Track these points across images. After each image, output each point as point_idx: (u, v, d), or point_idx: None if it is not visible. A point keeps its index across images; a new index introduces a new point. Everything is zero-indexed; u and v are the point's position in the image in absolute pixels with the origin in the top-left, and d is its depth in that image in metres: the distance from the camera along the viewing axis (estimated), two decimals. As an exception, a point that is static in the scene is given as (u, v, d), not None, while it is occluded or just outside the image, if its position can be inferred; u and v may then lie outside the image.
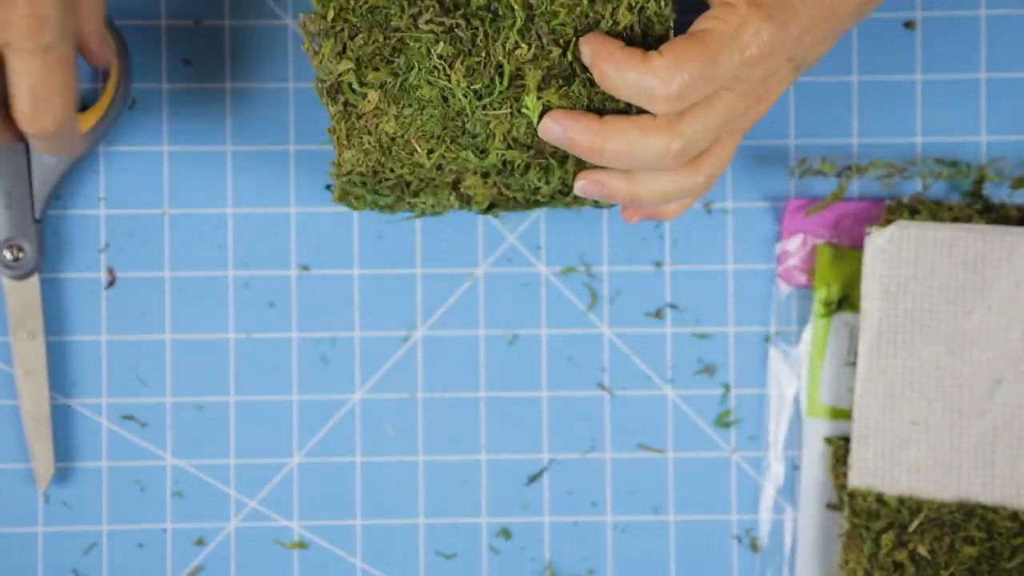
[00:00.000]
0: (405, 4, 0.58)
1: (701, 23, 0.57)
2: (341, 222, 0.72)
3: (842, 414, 0.71)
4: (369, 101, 0.59)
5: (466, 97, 0.59)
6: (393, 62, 0.59)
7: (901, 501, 0.69)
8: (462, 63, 0.58)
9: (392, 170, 0.61)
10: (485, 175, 0.62)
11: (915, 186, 0.72)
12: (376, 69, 0.59)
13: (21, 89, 0.56)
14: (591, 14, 0.59)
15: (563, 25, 0.59)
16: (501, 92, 0.59)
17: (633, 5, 0.59)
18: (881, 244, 0.69)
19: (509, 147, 0.60)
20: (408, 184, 0.63)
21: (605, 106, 0.60)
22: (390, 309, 0.72)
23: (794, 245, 0.71)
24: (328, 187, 0.71)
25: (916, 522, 0.69)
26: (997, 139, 0.72)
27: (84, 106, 0.70)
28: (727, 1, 0.57)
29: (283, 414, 0.72)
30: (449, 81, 0.58)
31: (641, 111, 0.59)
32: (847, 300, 0.71)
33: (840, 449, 0.71)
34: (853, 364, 0.71)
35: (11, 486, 0.71)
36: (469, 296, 0.72)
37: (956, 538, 0.68)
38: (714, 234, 0.72)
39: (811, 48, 0.59)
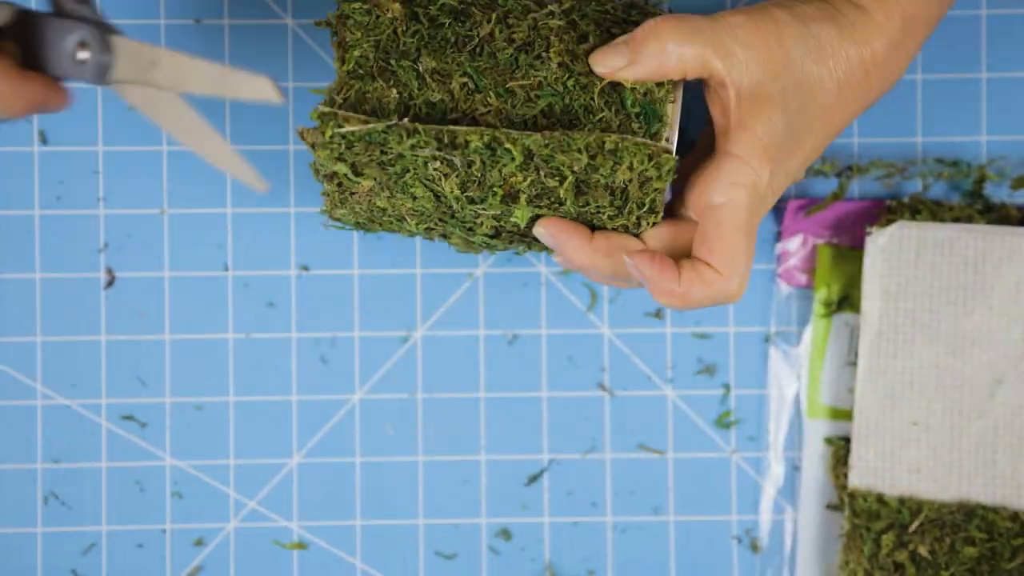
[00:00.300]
0: (404, 135, 0.57)
1: (719, 192, 0.58)
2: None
3: (842, 414, 0.71)
4: (363, 187, 0.59)
5: (458, 201, 0.59)
6: (389, 168, 0.59)
7: (901, 501, 0.69)
8: (457, 178, 0.58)
9: (381, 225, 0.63)
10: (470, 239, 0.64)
11: (915, 186, 0.72)
12: (370, 168, 0.59)
13: None
14: (591, 164, 0.58)
15: (562, 166, 0.58)
16: (493, 203, 0.59)
17: (634, 167, 0.58)
18: (881, 244, 0.69)
19: (496, 233, 0.61)
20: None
21: (594, 224, 0.60)
22: (390, 309, 0.72)
23: (794, 245, 0.71)
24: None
25: (916, 522, 0.68)
26: (998, 139, 0.71)
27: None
28: (736, 155, 0.58)
29: (283, 414, 0.72)
30: (443, 188, 0.59)
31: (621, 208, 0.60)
32: (847, 300, 0.71)
33: (840, 449, 0.71)
34: (853, 364, 0.71)
35: (11, 486, 0.71)
36: (469, 296, 0.72)
37: (957, 538, 0.68)
38: (714, 234, 0.72)
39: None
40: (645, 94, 0.58)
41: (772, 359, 0.72)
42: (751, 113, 0.58)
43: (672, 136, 0.59)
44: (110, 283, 0.71)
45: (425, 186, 0.59)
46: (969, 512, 0.68)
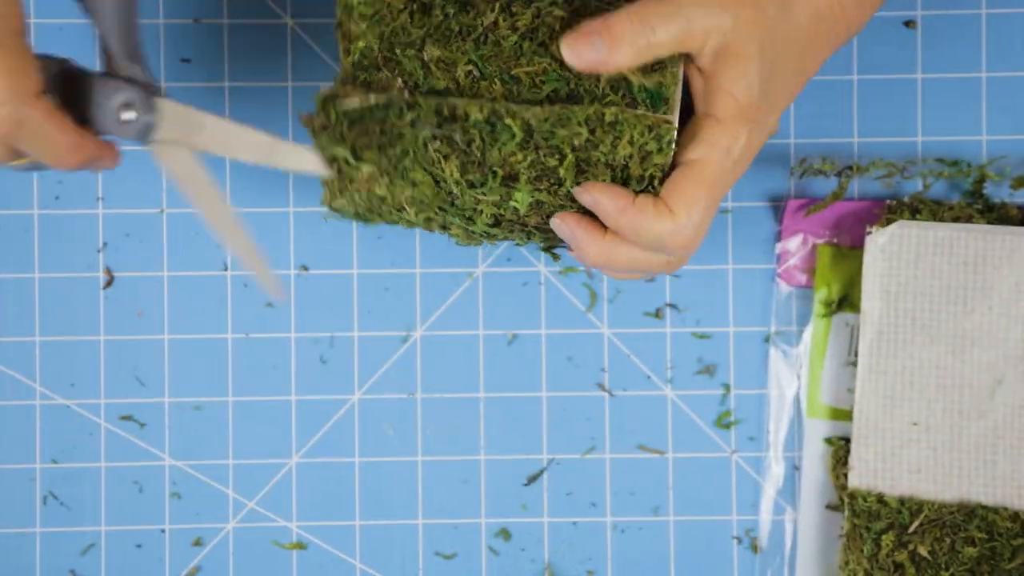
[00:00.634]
0: (404, 108, 0.57)
1: (693, 150, 0.58)
2: (340, 222, 0.71)
3: (842, 414, 0.71)
4: (363, 173, 0.59)
5: (458, 186, 0.59)
6: (388, 149, 0.59)
7: (902, 502, 0.69)
8: (457, 158, 0.58)
9: (380, 216, 0.62)
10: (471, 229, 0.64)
11: (916, 186, 0.72)
12: (371, 151, 0.59)
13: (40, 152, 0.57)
14: (591, 139, 0.58)
15: (562, 143, 0.58)
16: (493, 187, 0.59)
17: (635, 140, 0.58)
18: (881, 244, 0.69)
19: (496, 222, 0.61)
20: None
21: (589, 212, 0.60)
22: (389, 309, 0.72)
23: (794, 245, 0.71)
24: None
25: (917, 523, 0.68)
26: (998, 138, 0.71)
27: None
28: (713, 115, 0.58)
29: (282, 414, 0.71)
30: (443, 172, 0.58)
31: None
32: (847, 300, 0.71)
33: (840, 450, 0.71)
34: (853, 364, 0.71)
35: (10, 486, 0.71)
36: (469, 296, 0.72)
37: (957, 539, 0.68)
38: (714, 234, 0.72)
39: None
40: (651, 74, 0.58)
41: (772, 359, 0.72)
42: (727, 75, 0.57)
43: (675, 106, 0.59)
44: (109, 283, 0.71)
45: (425, 170, 0.59)
46: (969, 512, 0.68)
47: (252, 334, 0.71)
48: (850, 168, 0.71)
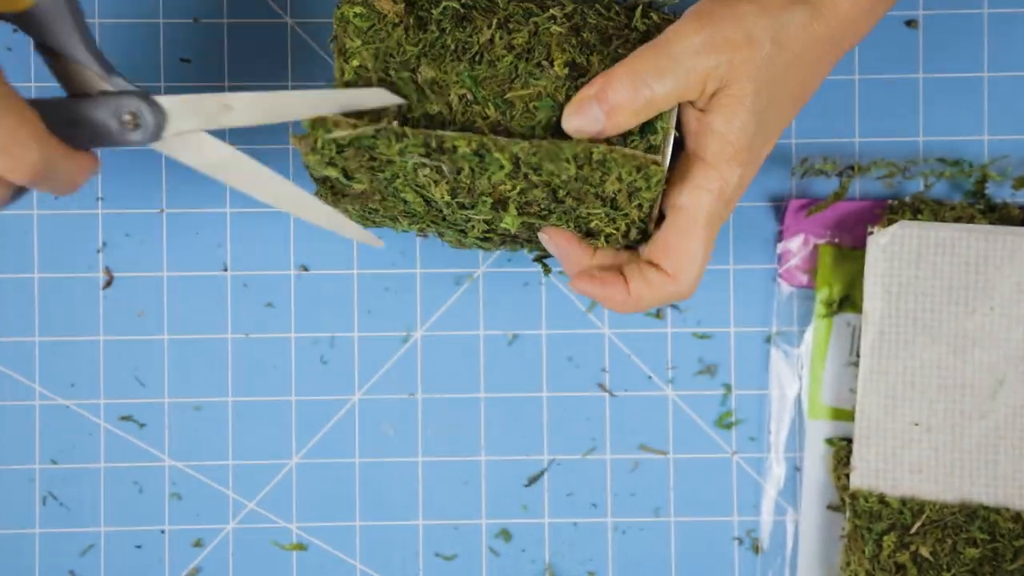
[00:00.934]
0: (393, 139, 0.56)
1: (684, 194, 0.58)
2: (340, 222, 0.71)
3: (844, 415, 0.71)
4: (355, 189, 0.59)
5: (448, 207, 0.59)
6: (379, 172, 0.58)
7: (903, 502, 0.68)
8: (447, 184, 0.58)
9: (375, 223, 0.63)
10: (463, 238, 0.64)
11: (917, 186, 0.72)
12: (361, 172, 0.59)
13: None
14: (579, 174, 0.57)
15: (550, 176, 0.57)
16: (482, 210, 0.59)
17: (623, 177, 0.57)
18: (883, 244, 0.69)
19: (487, 237, 0.61)
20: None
21: (590, 228, 0.60)
22: (389, 309, 0.71)
23: (795, 245, 0.71)
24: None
25: (918, 523, 0.68)
26: (999, 138, 0.71)
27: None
28: (705, 159, 0.57)
29: (282, 415, 0.71)
30: (433, 194, 0.58)
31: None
32: (849, 300, 0.71)
33: (842, 450, 0.71)
34: (855, 365, 0.71)
35: (9, 487, 0.71)
36: (469, 296, 0.72)
37: (958, 539, 0.68)
38: (715, 234, 0.72)
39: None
40: None
41: (773, 359, 0.71)
42: (721, 115, 0.57)
43: (666, 146, 0.59)
44: (108, 283, 0.71)
45: (416, 191, 0.59)
46: (971, 513, 0.68)
47: (252, 334, 0.71)
48: (851, 168, 0.71)
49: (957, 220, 0.70)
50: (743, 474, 0.72)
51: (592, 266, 0.61)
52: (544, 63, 0.58)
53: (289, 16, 0.71)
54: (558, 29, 0.59)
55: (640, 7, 0.60)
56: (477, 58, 0.59)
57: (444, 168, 0.57)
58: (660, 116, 0.58)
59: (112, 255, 0.71)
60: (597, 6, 0.60)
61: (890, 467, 0.69)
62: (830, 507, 0.71)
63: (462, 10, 0.59)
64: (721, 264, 0.72)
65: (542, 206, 0.59)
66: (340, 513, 0.71)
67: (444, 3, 0.59)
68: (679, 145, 0.59)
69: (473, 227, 0.61)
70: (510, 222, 0.59)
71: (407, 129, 0.56)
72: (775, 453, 0.72)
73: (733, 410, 0.72)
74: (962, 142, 0.71)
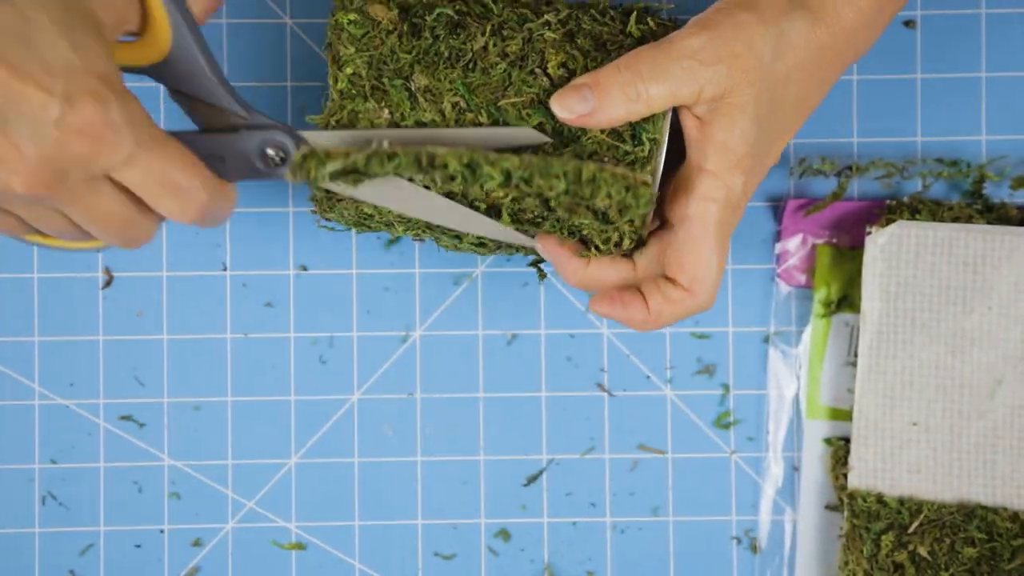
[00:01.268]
0: (385, 160, 0.55)
1: (690, 205, 0.58)
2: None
3: (842, 415, 0.71)
4: (352, 195, 0.59)
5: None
6: (372, 182, 0.58)
7: (901, 502, 0.69)
8: (440, 192, 0.58)
9: (370, 228, 0.63)
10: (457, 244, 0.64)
11: (915, 186, 0.72)
12: (355, 185, 0.59)
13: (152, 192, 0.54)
14: (570, 188, 0.56)
15: (541, 190, 0.57)
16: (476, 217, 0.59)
17: (612, 195, 0.56)
18: (881, 244, 0.69)
19: (482, 243, 0.62)
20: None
21: (575, 236, 0.60)
22: (388, 309, 0.72)
23: (794, 245, 0.71)
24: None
25: (916, 523, 0.68)
26: (997, 138, 0.71)
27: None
28: (708, 169, 0.57)
29: (281, 414, 0.71)
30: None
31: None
32: (847, 300, 0.71)
33: (840, 450, 0.71)
34: (853, 364, 0.71)
35: (8, 486, 0.71)
36: (468, 296, 0.72)
37: (956, 539, 0.68)
38: (714, 234, 0.72)
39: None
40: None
41: (771, 359, 0.72)
42: (723, 127, 0.57)
43: (659, 159, 0.59)
44: (108, 283, 0.71)
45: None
46: (969, 513, 0.68)
47: (251, 334, 0.71)
48: (849, 168, 0.71)
49: (955, 220, 0.70)
50: (741, 474, 0.72)
51: (609, 287, 0.61)
52: (537, 70, 0.58)
53: (289, 16, 0.71)
54: (552, 35, 0.59)
55: (635, 12, 0.60)
56: (471, 65, 0.58)
57: (437, 178, 0.56)
58: (651, 126, 0.58)
59: (112, 255, 0.71)
60: (592, 11, 0.60)
61: (888, 467, 0.69)
62: (828, 507, 0.71)
63: (456, 17, 0.59)
64: (720, 264, 0.72)
65: (535, 213, 0.59)
66: (339, 513, 0.71)
67: (438, 10, 0.59)
68: (681, 156, 0.59)
69: (469, 234, 0.61)
70: (505, 226, 0.59)
71: (398, 149, 0.55)
72: (773, 453, 0.72)
73: (731, 410, 0.72)
74: (960, 142, 0.72)
